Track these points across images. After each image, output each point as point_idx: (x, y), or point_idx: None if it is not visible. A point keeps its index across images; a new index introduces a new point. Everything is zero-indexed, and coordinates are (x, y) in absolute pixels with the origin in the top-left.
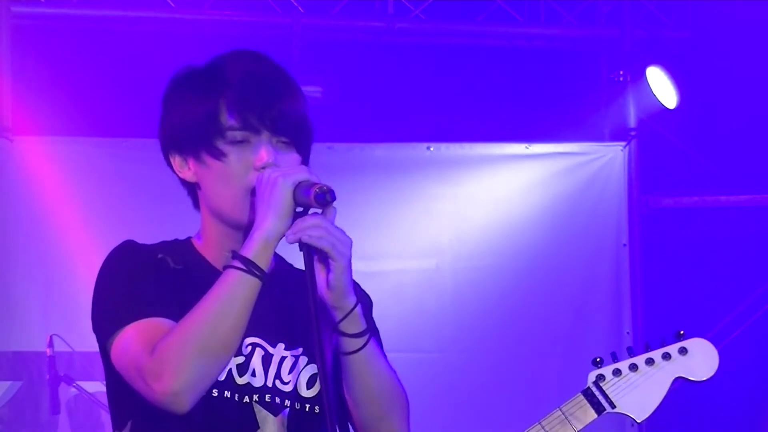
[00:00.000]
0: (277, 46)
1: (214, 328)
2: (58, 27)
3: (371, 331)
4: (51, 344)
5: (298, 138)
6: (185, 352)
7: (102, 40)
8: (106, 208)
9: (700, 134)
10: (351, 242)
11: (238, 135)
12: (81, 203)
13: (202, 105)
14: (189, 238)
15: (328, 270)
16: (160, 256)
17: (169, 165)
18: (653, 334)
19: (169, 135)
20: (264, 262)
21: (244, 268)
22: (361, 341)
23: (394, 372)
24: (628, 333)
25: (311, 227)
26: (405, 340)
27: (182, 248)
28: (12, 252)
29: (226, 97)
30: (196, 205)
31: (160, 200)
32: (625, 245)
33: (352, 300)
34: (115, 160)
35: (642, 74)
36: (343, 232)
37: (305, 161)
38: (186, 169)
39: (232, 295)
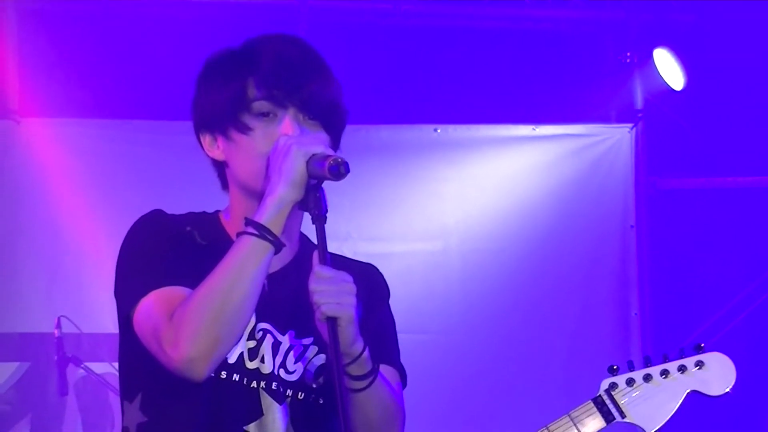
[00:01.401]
0: (284, 28)
1: (227, 294)
2: (64, 9)
3: (384, 337)
4: (59, 325)
5: (328, 120)
6: (200, 318)
7: (109, 21)
8: (113, 189)
9: (707, 116)
10: (353, 290)
11: (265, 106)
12: (88, 185)
13: (232, 83)
14: (217, 212)
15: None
16: (188, 228)
17: (201, 145)
18: (660, 315)
19: (199, 114)
20: (277, 228)
21: (257, 233)
22: (366, 382)
23: (396, 394)
24: (635, 314)
25: (312, 293)
26: (412, 322)
27: (210, 223)
28: (19, 234)
29: (255, 75)
30: (225, 185)
31: (166, 182)
32: (632, 227)
33: (359, 347)
34: (122, 142)
35: (649, 56)
36: (344, 278)
37: (335, 145)
38: (215, 147)
39: (245, 260)
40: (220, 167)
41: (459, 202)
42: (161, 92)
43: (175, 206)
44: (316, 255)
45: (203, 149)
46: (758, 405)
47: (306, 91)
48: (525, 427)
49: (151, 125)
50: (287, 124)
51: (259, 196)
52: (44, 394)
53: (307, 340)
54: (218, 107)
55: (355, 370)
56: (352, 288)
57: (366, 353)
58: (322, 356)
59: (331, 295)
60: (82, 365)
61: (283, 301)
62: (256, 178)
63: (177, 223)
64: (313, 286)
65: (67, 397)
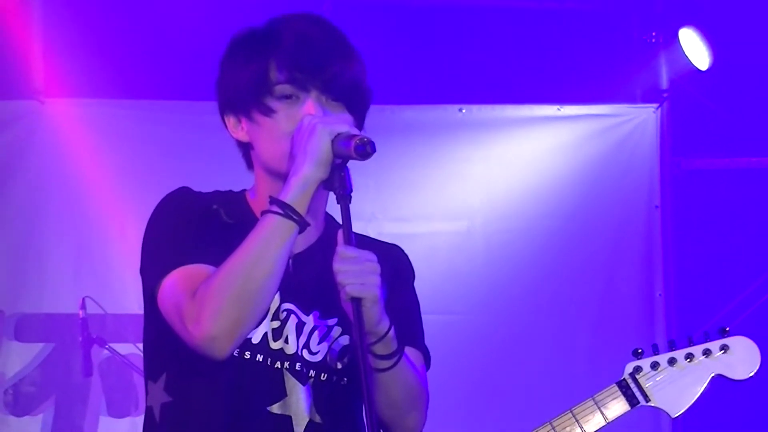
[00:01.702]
0: (309, 8)
1: (250, 272)
2: None
3: (408, 320)
4: (83, 306)
5: (351, 101)
6: (222, 296)
7: (133, 1)
8: (138, 170)
9: (733, 96)
10: (377, 270)
11: (287, 89)
12: (113, 165)
13: (254, 64)
14: (244, 191)
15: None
16: (214, 207)
17: (225, 126)
18: (684, 296)
19: (223, 96)
20: (302, 207)
21: (281, 212)
22: (391, 362)
23: (420, 376)
24: (660, 295)
25: (336, 273)
26: (436, 302)
27: (236, 201)
28: (44, 214)
29: (276, 57)
30: (250, 165)
31: (192, 162)
32: (657, 207)
33: (384, 326)
34: (147, 123)
35: (674, 36)
36: (368, 257)
37: (359, 125)
38: (239, 129)
39: (269, 239)
40: (245, 148)
41: (483, 183)
42: (186, 72)
43: (201, 186)
44: (340, 234)
45: (228, 130)
46: None
47: (328, 72)
48: (549, 409)
49: (177, 105)
50: (310, 105)
51: (283, 177)
52: (69, 374)
53: (331, 321)
54: (241, 89)
55: (380, 349)
56: (376, 267)
57: (392, 333)
58: (346, 337)
59: (356, 275)
60: (107, 346)
61: (308, 282)
62: (280, 159)
63: (203, 200)
64: (337, 265)
65: (91, 378)
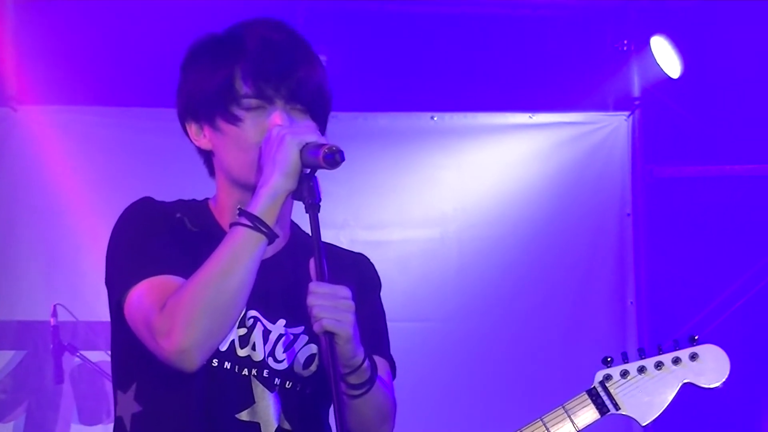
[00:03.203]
0: (282, 15)
1: (220, 284)
2: None
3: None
4: (55, 314)
5: (314, 106)
6: (193, 310)
7: (107, 8)
8: (110, 177)
9: (704, 104)
10: (352, 308)
11: (253, 102)
12: (85, 172)
13: (218, 72)
14: (206, 200)
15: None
16: (178, 215)
17: (186, 133)
18: (656, 304)
19: (185, 103)
20: (271, 219)
21: (250, 224)
22: (364, 389)
23: (388, 388)
24: (631, 303)
25: (311, 306)
26: (409, 310)
27: (200, 210)
28: (16, 221)
29: (241, 66)
30: (212, 172)
31: (164, 169)
32: (628, 215)
33: (359, 358)
34: (120, 129)
35: (646, 43)
36: (343, 294)
37: (321, 130)
38: (201, 136)
39: (238, 252)
40: (207, 155)
41: (456, 190)
42: (159, 79)
43: (174, 193)
44: (312, 265)
45: (188, 137)
46: (753, 396)
47: (293, 79)
48: (520, 418)
49: (149, 112)
50: (276, 116)
51: (247, 187)
52: (40, 382)
53: (297, 329)
54: (206, 97)
55: (354, 379)
56: (351, 305)
57: (366, 363)
58: (312, 346)
59: (331, 311)
60: (78, 353)
61: (274, 290)
62: (247, 169)
63: (167, 210)
64: (312, 299)
65: (63, 385)
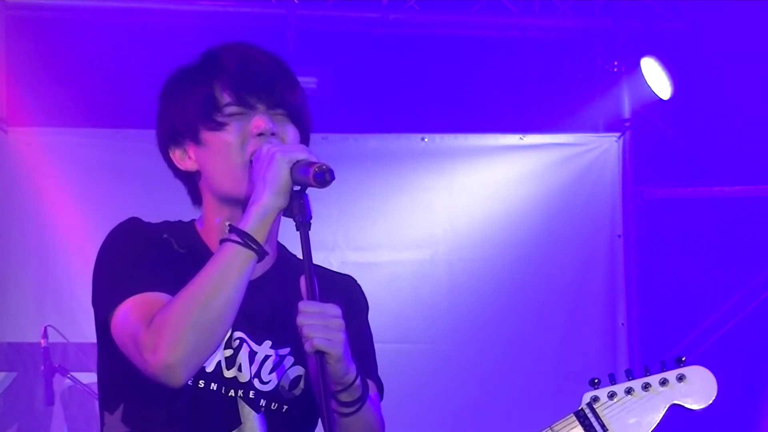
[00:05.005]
0: (272, 37)
1: (208, 301)
2: (52, 18)
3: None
4: (45, 335)
5: (296, 112)
6: (180, 325)
7: (96, 31)
8: (100, 198)
9: (695, 125)
10: (343, 326)
11: (235, 109)
12: (75, 194)
13: (198, 90)
14: (193, 221)
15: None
16: (165, 236)
17: (169, 163)
18: (647, 325)
19: (167, 128)
20: (261, 236)
21: (240, 241)
22: (356, 407)
23: (377, 411)
24: (622, 324)
25: (300, 327)
26: (399, 331)
27: (186, 231)
28: (6, 243)
29: (220, 80)
30: (196, 200)
31: (153, 190)
32: (619, 236)
33: (351, 376)
34: (109, 151)
35: (636, 65)
36: (334, 312)
37: (304, 138)
38: (186, 158)
39: (227, 268)
40: (192, 181)
41: (447, 212)
42: (149, 101)
43: (162, 214)
44: (303, 284)
45: (173, 166)
46: (741, 417)
47: (275, 89)
48: None
49: (139, 134)
50: (259, 119)
51: (235, 203)
52: (31, 403)
53: (283, 351)
54: (187, 113)
55: (345, 397)
56: (341, 324)
57: (358, 381)
58: (299, 368)
59: (322, 330)
60: (69, 375)
61: (260, 311)
62: (233, 181)
63: (154, 230)
64: (302, 319)
65: (53, 406)
